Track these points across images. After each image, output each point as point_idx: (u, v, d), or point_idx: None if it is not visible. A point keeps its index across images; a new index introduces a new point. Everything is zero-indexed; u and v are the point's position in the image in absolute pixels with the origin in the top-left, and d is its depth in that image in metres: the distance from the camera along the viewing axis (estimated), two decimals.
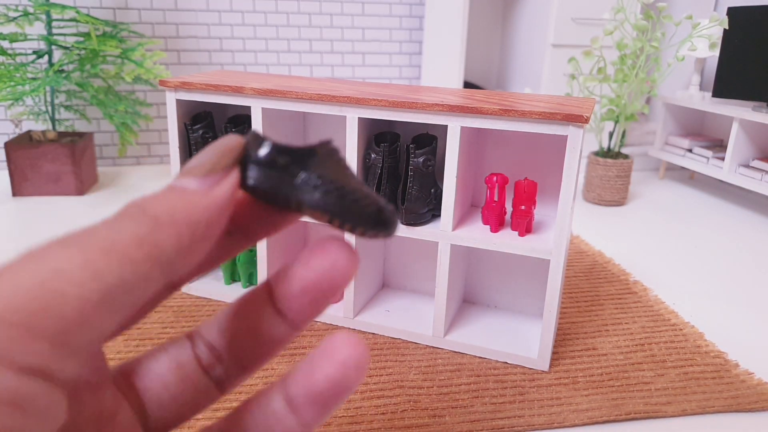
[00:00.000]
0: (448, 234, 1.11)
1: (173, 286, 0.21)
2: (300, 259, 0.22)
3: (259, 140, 0.21)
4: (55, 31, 2.25)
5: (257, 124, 1.18)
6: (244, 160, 0.21)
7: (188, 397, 0.23)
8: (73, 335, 0.15)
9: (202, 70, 2.60)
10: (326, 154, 0.21)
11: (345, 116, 1.21)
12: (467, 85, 2.82)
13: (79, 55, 2.10)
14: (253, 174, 0.21)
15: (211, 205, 0.19)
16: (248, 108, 1.35)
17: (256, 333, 0.23)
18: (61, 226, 1.84)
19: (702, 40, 2.38)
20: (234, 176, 0.20)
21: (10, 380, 0.14)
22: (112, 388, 0.21)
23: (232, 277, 1.40)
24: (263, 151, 0.21)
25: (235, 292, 1.36)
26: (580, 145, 0.98)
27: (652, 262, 1.73)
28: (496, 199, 1.13)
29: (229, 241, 0.23)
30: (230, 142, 0.21)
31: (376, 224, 0.21)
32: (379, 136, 1.17)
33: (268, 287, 0.23)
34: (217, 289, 1.36)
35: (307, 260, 0.22)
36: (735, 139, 2.25)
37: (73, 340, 0.15)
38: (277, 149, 0.21)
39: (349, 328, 1.25)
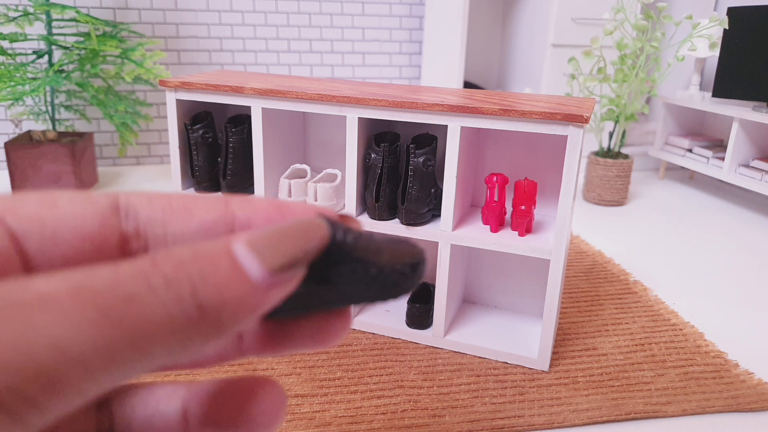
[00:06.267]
0: (448, 234, 1.11)
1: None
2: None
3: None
4: (55, 31, 2.25)
5: (257, 124, 1.18)
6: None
7: None
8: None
9: (202, 70, 2.60)
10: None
11: (345, 116, 1.21)
12: (467, 85, 2.82)
13: (79, 55, 2.10)
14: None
15: (256, 310, 0.14)
16: (248, 108, 1.35)
17: None
18: None
19: (702, 40, 2.38)
20: (296, 281, 0.15)
21: None
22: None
23: None
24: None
25: None
26: (580, 145, 0.98)
27: (652, 262, 1.73)
28: (496, 199, 1.13)
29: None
30: (318, 232, 0.16)
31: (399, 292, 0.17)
32: (379, 136, 1.17)
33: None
34: None
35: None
36: (735, 139, 2.25)
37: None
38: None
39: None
